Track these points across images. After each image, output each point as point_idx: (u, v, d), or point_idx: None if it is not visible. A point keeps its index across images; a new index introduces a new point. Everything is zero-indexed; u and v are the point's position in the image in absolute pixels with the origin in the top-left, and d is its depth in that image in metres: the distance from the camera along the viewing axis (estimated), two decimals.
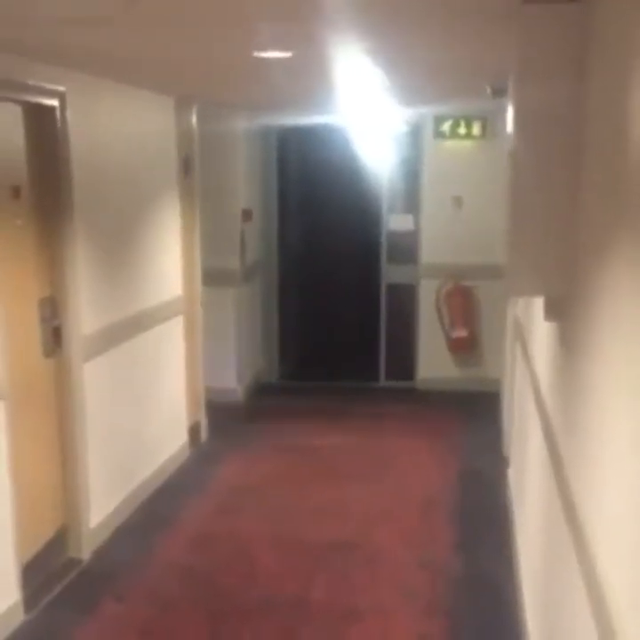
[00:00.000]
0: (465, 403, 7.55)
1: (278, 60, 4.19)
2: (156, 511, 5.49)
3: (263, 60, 4.15)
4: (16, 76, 4.10)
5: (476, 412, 7.30)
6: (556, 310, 2.89)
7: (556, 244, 2.64)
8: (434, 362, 8.15)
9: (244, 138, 7.73)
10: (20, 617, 4.15)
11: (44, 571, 4.49)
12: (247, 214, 7.75)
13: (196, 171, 6.63)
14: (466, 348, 8.03)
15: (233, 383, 7.73)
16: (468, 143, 7.91)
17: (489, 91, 4.83)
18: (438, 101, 6.97)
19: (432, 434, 6.96)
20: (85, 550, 4.80)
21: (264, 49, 3.91)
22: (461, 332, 7.97)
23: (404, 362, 8.27)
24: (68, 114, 4.51)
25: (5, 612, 4.03)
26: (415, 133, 8.03)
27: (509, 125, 2.88)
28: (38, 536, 4.48)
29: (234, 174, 7.61)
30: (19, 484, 4.10)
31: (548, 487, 3.13)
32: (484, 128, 7.79)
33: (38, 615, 4.23)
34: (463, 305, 7.98)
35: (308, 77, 4.89)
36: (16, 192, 4.25)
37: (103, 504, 5.02)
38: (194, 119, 6.50)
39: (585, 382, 2.36)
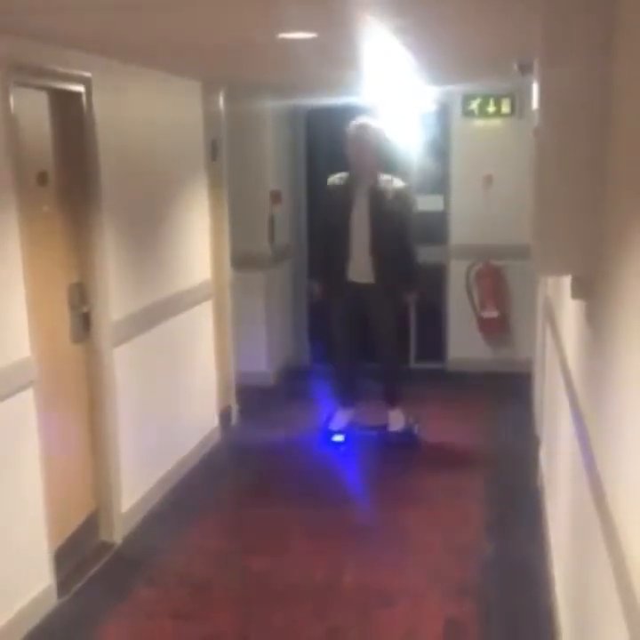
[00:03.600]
0: (496, 383, 7.50)
1: (304, 41, 4.16)
2: (187, 495, 5.50)
3: (288, 41, 4.12)
4: (42, 62, 4.10)
5: (507, 392, 7.25)
6: (583, 288, 2.86)
7: (582, 222, 2.60)
8: (464, 343, 8.10)
9: (272, 119, 7.70)
10: (53, 601, 4.19)
11: (77, 555, 4.52)
12: (276, 196, 7.73)
13: (223, 154, 6.62)
14: (496, 328, 7.98)
15: (263, 367, 7.73)
16: (497, 121, 7.83)
17: (516, 67, 4.76)
18: (466, 80, 6.91)
19: (463, 415, 6.92)
20: (117, 534, 4.83)
21: (289, 30, 3.88)
22: (492, 313, 7.91)
23: (434, 343, 8.23)
24: (95, 99, 4.50)
25: (39, 595, 4.07)
26: (443, 112, 7.96)
27: (535, 103, 2.84)
28: (70, 521, 4.51)
29: (262, 156, 7.58)
30: (50, 469, 4.12)
31: (575, 467, 3.10)
32: (513, 106, 7.70)
33: (71, 599, 4.27)
34: (493, 285, 7.92)
35: (335, 58, 4.86)
36: (43, 178, 4.25)
37: (135, 488, 5.04)
38: (221, 102, 6.48)
39: (611, 360, 2.33)
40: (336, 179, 6.32)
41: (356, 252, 6.11)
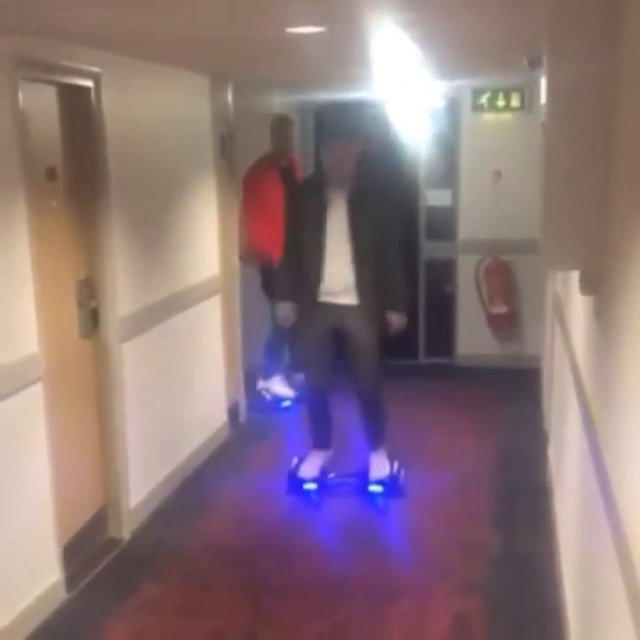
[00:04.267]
0: (504, 379, 7.47)
1: (312, 36, 4.14)
2: (195, 491, 5.50)
3: (297, 35, 4.11)
4: (50, 57, 4.10)
5: (515, 388, 7.22)
6: (591, 284, 2.85)
7: (590, 218, 2.59)
8: (473, 338, 8.08)
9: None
10: (61, 596, 4.19)
11: (85, 550, 4.53)
12: None
13: (232, 149, 6.61)
14: (505, 324, 7.96)
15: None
16: (506, 116, 7.81)
17: (525, 62, 4.75)
18: (475, 74, 6.89)
19: (471, 411, 6.90)
20: (125, 530, 4.83)
21: (297, 25, 3.87)
22: (501, 308, 7.90)
23: (443, 338, 8.21)
24: (103, 95, 4.50)
25: (47, 591, 4.08)
26: (453, 107, 7.94)
27: (543, 98, 2.83)
28: (79, 516, 4.51)
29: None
30: (58, 465, 4.13)
31: (584, 463, 3.09)
32: (523, 100, 7.68)
33: (79, 594, 4.28)
34: (502, 281, 7.90)
35: (343, 52, 4.84)
36: (51, 174, 4.26)
37: (143, 484, 5.04)
38: (229, 97, 6.47)
39: (619, 356, 2.33)
40: (307, 182, 5.62)
41: (334, 269, 5.13)
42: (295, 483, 5.46)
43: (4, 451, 3.76)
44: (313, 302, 5.19)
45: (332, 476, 5.54)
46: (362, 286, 5.14)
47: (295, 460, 5.57)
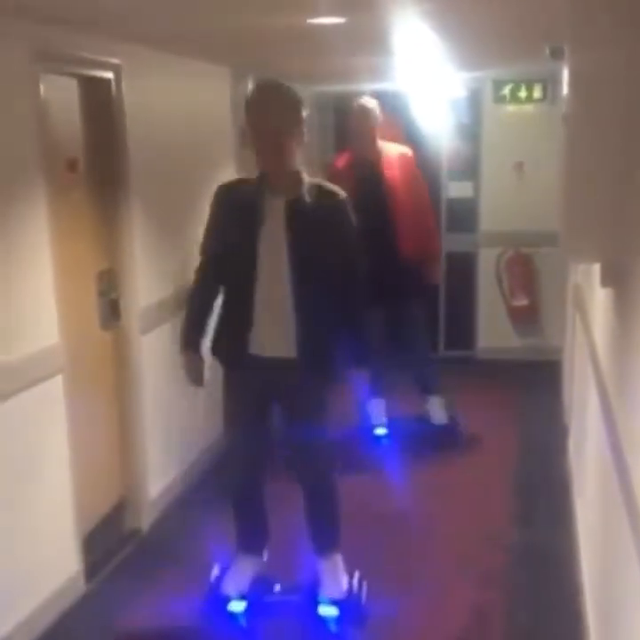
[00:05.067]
0: (525, 372, 7.44)
1: (332, 27, 4.14)
2: (214, 481, 5.50)
3: (317, 26, 4.10)
4: (71, 49, 4.10)
5: (536, 381, 7.20)
6: (611, 276, 2.84)
7: (611, 210, 2.58)
8: (494, 331, 8.06)
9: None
10: (81, 587, 4.21)
11: (104, 541, 4.55)
12: None
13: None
14: (526, 316, 7.93)
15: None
16: (528, 107, 7.76)
17: (548, 52, 4.72)
18: (497, 64, 6.85)
19: (492, 403, 6.88)
20: (145, 521, 4.85)
21: (317, 15, 3.86)
22: (522, 301, 7.87)
23: (463, 331, 8.18)
24: (124, 86, 4.51)
25: (66, 581, 4.10)
26: (474, 98, 7.90)
27: (565, 89, 2.82)
28: (98, 507, 4.53)
29: None
30: (78, 456, 4.14)
31: (603, 455, 3.08)
32: (545, 91, 7.63)
33: (98, 585, 4.30)
34: (524, 273, 7.86)
35: (363, 43, 4.83)
36: (72, 165, 4.27)
37: (162, 475, 5.06)
38: (250, 89, 6.46)
39: (639, 348, 2.31)
40: (232, 186, 3.99)
41: (267, 310, 3.71)
42: (216, 601, 3.98)
43: (24, 442, 3.77)
44: (240, 355, 3.77)
45: (267, 592, 4.07)
46: (306, 335, 3.76)
47: (216, 571, 4.13)
